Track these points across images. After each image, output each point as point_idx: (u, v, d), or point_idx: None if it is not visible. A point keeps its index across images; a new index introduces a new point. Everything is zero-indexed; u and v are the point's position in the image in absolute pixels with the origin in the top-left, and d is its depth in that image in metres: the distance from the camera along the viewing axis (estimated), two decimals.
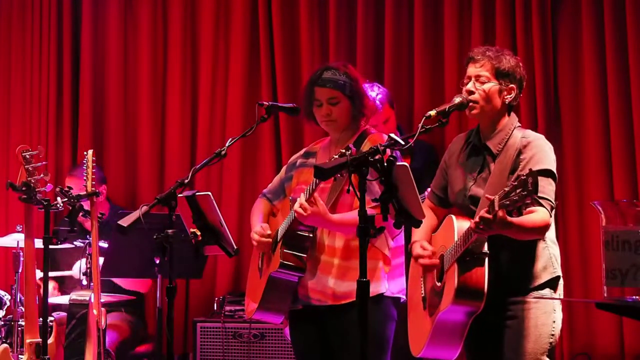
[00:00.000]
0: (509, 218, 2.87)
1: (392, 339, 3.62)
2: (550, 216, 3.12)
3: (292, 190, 3.76)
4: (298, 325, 3.75)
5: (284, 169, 3.92)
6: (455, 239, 3.14)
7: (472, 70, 3.29)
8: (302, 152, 3.90)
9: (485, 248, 3.10)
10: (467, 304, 3.11)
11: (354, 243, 3.49)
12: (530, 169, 2.77)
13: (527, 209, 2.94)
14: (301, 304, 3.66)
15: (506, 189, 2.81)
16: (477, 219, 2.92)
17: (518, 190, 2.75)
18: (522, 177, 2.75)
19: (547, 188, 3.11)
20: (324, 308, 3.60)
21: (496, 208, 2.83)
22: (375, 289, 3.49)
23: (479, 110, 3.25)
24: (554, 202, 3.14)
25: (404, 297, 3.62)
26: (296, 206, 3.49)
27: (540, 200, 3.02)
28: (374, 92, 4.59)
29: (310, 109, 3.70)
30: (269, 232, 3.70)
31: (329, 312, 3.60)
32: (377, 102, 4.55)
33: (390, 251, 3.61)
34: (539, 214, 3.07)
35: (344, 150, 3.15)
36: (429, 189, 3.58)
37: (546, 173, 3.13)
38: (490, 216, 2.87)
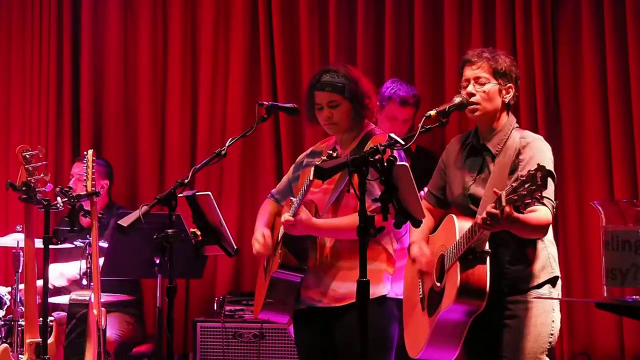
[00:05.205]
0: (515, 214, 2.87)
1: (395, 340, 3.62)
2: (552, 215, 3.13)
3: (298, 190, 3.76)
4: (301, 326, 3.75)
5: (291, 168, 3.93)
6: (457, 237, 3.14)
7: (469, 72, 3.29)
8: (308, 151, 3.91)
9: (487, 246, 3.10)
10: (468, 303, 3.11)
11: (355, 245, 3.48)
12: (538, 164, 2.77)
13: (529, 208, 2.95)
14: (305, 305, 3.67)
15: (514, 184, 2.81)
16: (484, 214, 2.92)
17: (527, 185, 2.75)
18: (531, 172, 2.74)
19: (548, 188, 3.11)
20: (326, 309, 3.61)
21: (503, 203, 2.83)
22: (377, 290, 3.49)
23: (481, 111, 3.26)
24: (554, 201, 3.15)
25: None
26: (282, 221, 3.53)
27: (543, 200, 3.03)
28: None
29: (313, 112, 3.70)
30: (270, 241, 3.71)
31: (331, 313, 3.60)
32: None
33: (394, 253, 3.61)
34: (541, 213, 3.07)
35: (330, 152, 3.18)
36: (425, 190, 3.57)
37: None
38: (497, 212, 2.87)
